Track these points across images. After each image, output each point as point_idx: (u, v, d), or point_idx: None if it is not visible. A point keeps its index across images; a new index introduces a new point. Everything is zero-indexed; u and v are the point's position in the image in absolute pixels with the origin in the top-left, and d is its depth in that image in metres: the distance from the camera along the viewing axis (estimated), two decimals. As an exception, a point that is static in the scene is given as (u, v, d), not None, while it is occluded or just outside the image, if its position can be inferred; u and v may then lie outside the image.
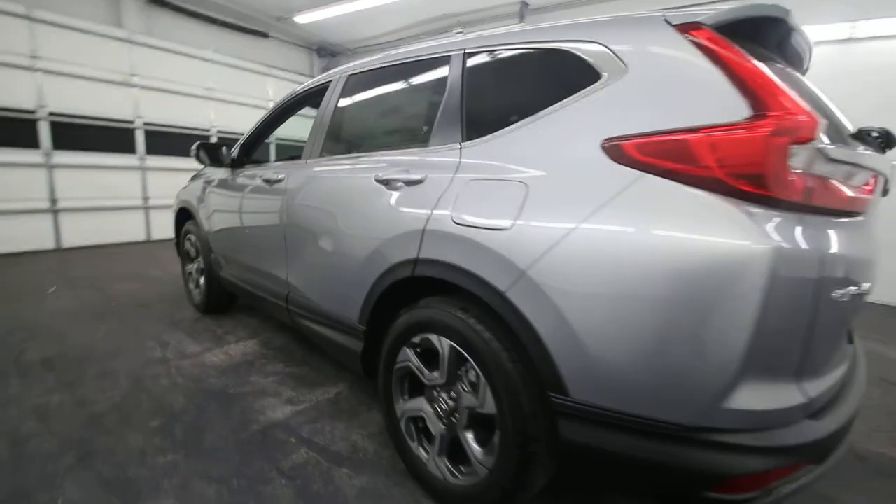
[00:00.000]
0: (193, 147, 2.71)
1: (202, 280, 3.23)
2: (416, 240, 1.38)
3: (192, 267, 3.39)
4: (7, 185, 5.12)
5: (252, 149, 2.81)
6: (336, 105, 2.06)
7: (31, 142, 5.24)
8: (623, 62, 1.11)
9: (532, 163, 1.20)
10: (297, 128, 2.92)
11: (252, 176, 2.54)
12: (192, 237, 3.27)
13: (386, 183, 1.57)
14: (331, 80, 2.16)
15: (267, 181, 2.28)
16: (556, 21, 1.35)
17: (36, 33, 5.13)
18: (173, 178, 6.46)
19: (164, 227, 6.48)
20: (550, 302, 1.05)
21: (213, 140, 6.99)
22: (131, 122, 6.02)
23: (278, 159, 3.04)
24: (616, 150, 1.04)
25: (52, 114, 5.31)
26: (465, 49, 1.54)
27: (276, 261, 2.22)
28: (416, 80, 1.79)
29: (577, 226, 1.03)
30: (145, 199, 6.32)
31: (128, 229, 6.22)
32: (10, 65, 4.99)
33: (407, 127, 1.88)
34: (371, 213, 1.60)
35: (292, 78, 8.07)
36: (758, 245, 0.86)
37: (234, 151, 2.76)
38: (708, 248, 0.89)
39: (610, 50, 1.15)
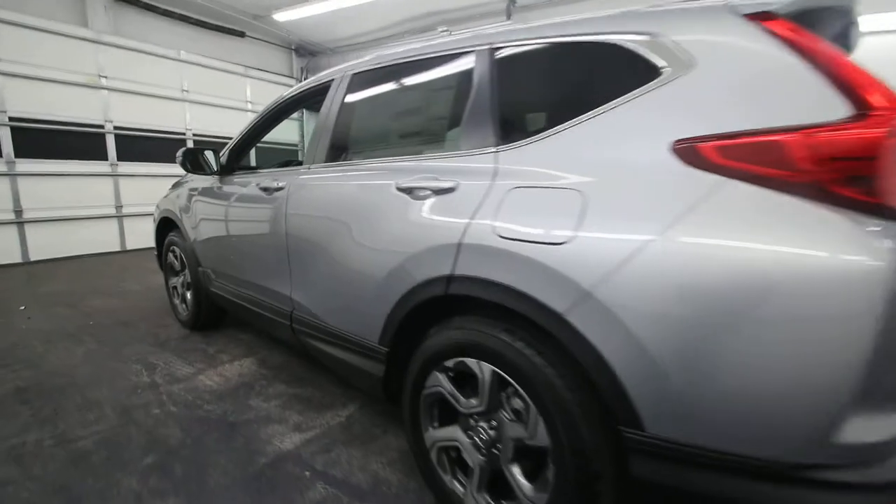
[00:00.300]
0: (179, 153, 2.51)
1: (189, 295, 3.02)
2: (451, 254, 1.25)
3: (177, 281, 3.17)
4: (-34, 197, 4.76)
5: (241, 154, 2.62)
6: (341, 106, 1.91)
7: (-9, 149, 4.89)
8: (689, 55, 1.00)
9: (586, 168, 1.08)
10: (280, 130, 2.76)
11: (245, 183, 2.36)
12: (177, 249, 3.06)
13: (409, 191, 1.43)
14: (332, 80, 2.00)
15: (265, 189, 2.11)
16: (599, 12, 1.24)
17: (-7, 33, 4.78)
18: (148, 185, 6.16)
19: (139, 236, 6.16)
20: (622, 325, 0.94)
21: (189, 144, 6.69)
22: (101, 126, 5.69)
23: (260, 163, 2.88)
24: (691, 153, 0.93)
25: (12, 119, 4.96)
26: (491, 44, 1.41)
27: (278, 276, 2.05)
28: (435, 78, 1.65)
29: (654, 239, 0.91)
30: (118, 207, 5.99)
31: (101, 239, 5.88)
32: (-35, 67, 4.64)
33: (427, 130, 1.74)
34: (393, 224, 1.45)
35: (271, 78, 7.80)
36: (876, 261, 0.76)
37: (223, 157, 2.57)
38: (814, 263, 0.79)
39: (671, 42, 1.04)
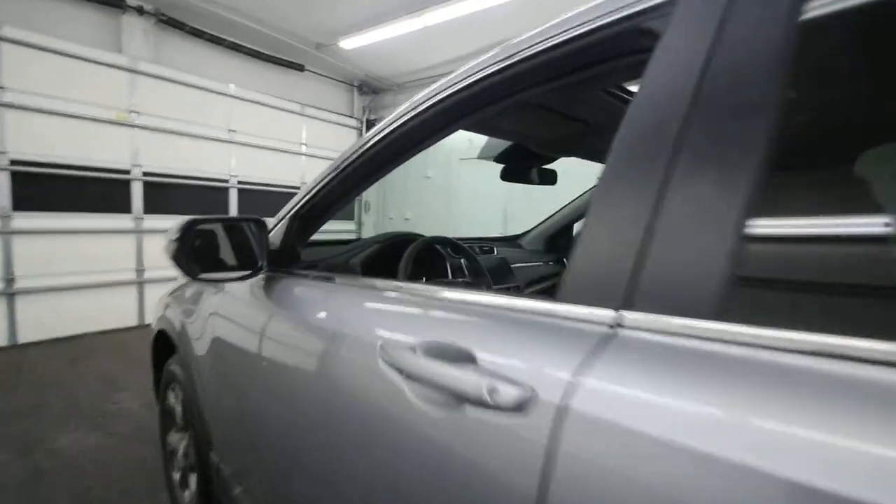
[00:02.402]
0: (173, 232, 1.06)
1: (194, 485, 1.56)
2: None
3: (178, 442, 1.72)
4: (-59, 261, 3.63)
5: (315, 225, 1.21)
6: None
7: (-19, 200, 3.80)
8: None
9: None
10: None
11: (333, 299, 0.94)
12: (179, 391, 1.64)
13: None
14: (676, 8, 0.56)
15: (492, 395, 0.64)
16: None
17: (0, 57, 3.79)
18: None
19: (162, 307, 4.90)
20: None
21: (233, 193, 5.53)
22: (126, 171, 4.59)
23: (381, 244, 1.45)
24: None
25: (14, 162, 3.88)
26: None
27: None
28: None
29: None
30: (139, 271, 4.79)
31: (114, 312, 4.65)
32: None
33: None
34: None
35: (329, 118, 6.74)
36: None
37: (278, 233, 1.16)
38: None
39: None
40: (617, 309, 0.50)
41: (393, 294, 0.86)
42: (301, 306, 1.01)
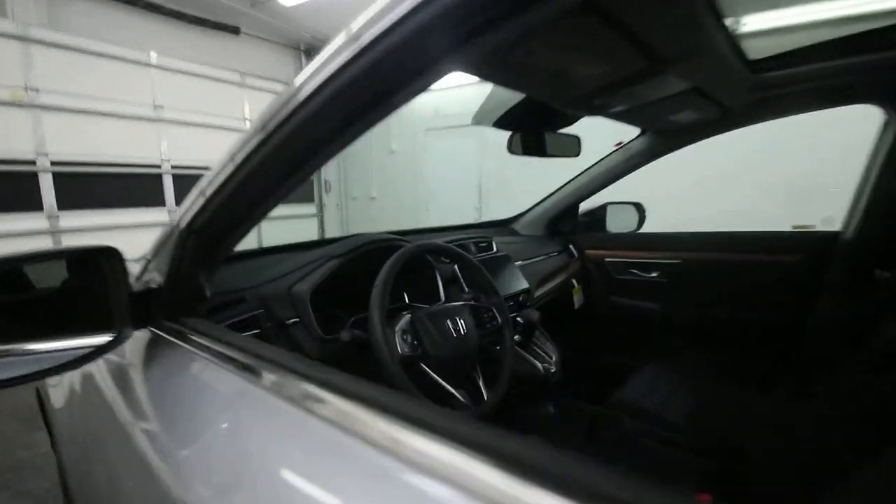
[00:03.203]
0: None
1: None
2: None
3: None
4: None
5: (229, 238, 0.75)
6: None
7: None
8: None
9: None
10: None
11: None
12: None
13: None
14: None
15: None
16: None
17: None
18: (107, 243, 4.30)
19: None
20: None
21: (168, 179, 4.83)
22: (31, 161, 3.86)
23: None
24: None
25: None
26: None
27: None
28: None
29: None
30: (63, 277, 4.12)
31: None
32: None
33: None
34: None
35: (277, 88, 6.01)
36: None
37: (160, 262, 0.70)
38: None
39: None
40: None
41: (408, 459, 0.36)
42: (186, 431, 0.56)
